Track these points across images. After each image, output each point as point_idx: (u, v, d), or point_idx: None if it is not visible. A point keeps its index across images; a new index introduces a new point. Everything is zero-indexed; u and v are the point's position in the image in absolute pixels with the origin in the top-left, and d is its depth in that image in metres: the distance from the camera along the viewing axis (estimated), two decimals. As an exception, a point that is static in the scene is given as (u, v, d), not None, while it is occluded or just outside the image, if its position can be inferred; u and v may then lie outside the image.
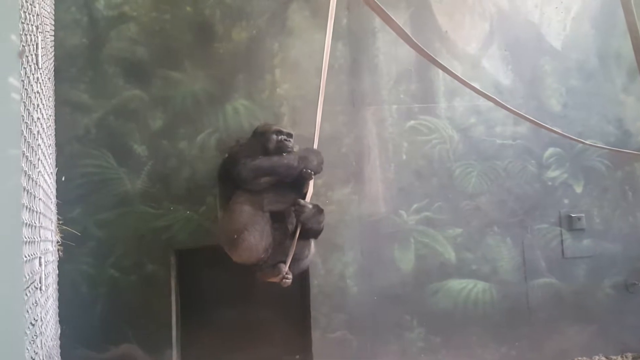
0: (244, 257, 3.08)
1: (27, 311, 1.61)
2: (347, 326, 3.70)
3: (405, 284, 3.80)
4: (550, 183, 4.02)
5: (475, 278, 3.89)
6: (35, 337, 1.80)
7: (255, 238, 3.02)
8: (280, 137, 3.26)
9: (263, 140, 3.28)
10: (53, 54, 3.22)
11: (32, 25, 1.94)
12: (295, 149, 3.32)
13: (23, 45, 1.58)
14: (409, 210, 3.84)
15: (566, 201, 4.02)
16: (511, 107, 3.60)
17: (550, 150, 4.02)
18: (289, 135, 3.31)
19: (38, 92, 2.13)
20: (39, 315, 1.93)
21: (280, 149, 3.23)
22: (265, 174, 3.11)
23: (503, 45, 4.05)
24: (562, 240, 3.98)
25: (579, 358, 3.93)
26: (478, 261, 3.90)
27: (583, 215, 4.00)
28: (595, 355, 3.95)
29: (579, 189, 4.04)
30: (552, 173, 4.02)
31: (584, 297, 3.97)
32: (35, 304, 1.82)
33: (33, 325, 1.75)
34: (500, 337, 3.86)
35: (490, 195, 3.95)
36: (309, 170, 3.11)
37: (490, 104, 3.72)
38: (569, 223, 3.99)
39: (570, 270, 3.98)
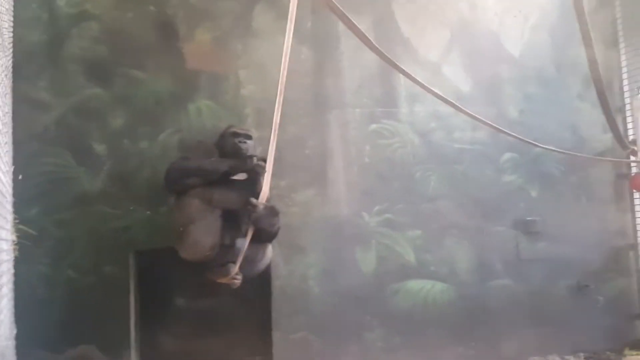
0: (189, 253, 3.05)
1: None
2: (308, 327, 3.72)
3: (367, 285, 3.84)
4: (506, 187, 4.12)
5: (434, 279, 3.95)
6: (-14, 335, 1.77)
7: (201, 233, 2.99)
8: (236, 140, 3.26)
9: (221, 143, 3.29)
10: (11, 50, 3.17)
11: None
12: (257, 151, 3.33)
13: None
14: (371, 212, 3.89)
15: (522, 205, 4.13)
16: (473, 113, 3.67)
17: (507, 155, 4.13)
18: (247, 136, 3.31)
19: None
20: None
21: (236, 152, 3.22)
22: (191, 175, 3.10)
23: (463, 53, 4.15)
24: (517, 243, 4.08)
25: (534, 358, 4.03)
26: (437, 263, 3.97)
27: (538, 218, 4.11)
28: (549, 355, 4.06)
29: (534, 193, 4.16)
30: (508, 177, 4.12)
31: (539, 298, 4.08)
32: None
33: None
34: (458, 337, 3.93)
35: (449, 199, 4.02)
36: (262, 163, 3.05)
37: (450, 109, 3.79)
38: (525, 226, 4.10)
39: (526, 272, 4.08)
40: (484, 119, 3.64)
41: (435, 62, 4.12)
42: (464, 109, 3.55)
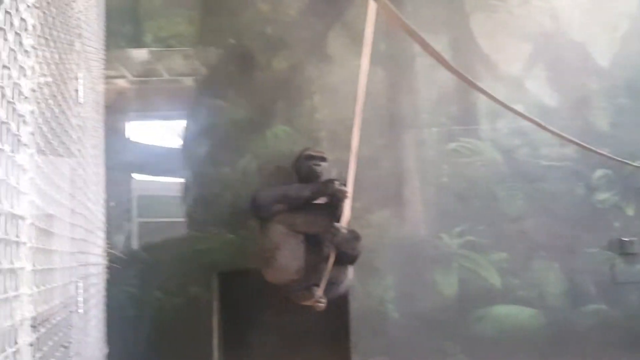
0: (276, 277, 3.14)
1: (57, 334, 1.70)
2: (387, 351, 3.67)
3: (448, 309, 3.74)
4: (599, 206, 3.87)
5: (522, 304, 3.78)
6: (69, 358, 1.90)
7: (286, 258, 3.08)
8: (311, 163, 3.32)
9: (297, 166, 3.37)
10: (103, 86, 3.41)
11: (71, 63, 2.09)
12: (332, 173, 3.37)
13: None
14: (451, 233, 3.79)
15: (617, 224, 3.85)
16: (555, 130, 3.48)
17: (600, 171, 3.88)
18: (322, 159, 3.36)
19: (79, 125, 2.27)
20: (75, 337, 2.03)
21: (311, 174, 3.29)
22: (276, 202, 3.18)
23: (547, 66, 3.97)
24: (613, 265, 3.81)
25: (633, 388, 3.74)
26: (524, 286, 3.78)
27: (635, 239, 3.83)
28: (651, 386, 3.75)
29: (630, 212, 3.87)
30: (601, 195, 3.87)
31: (637, 324, 3.77)
32: (69, 327, 1.93)
33: (66, 347, 1.85)
34: (548, 366, 3.73)
35: (536, 219, 3.84)
36: (343, 188, 3.10)
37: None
38: (621, 247, 3.82)
39: (623, 296, 3.80)
40: (568, 136, 3.45)
41: (517, 76, 3.97)
42: (545, 125, 3.39)
